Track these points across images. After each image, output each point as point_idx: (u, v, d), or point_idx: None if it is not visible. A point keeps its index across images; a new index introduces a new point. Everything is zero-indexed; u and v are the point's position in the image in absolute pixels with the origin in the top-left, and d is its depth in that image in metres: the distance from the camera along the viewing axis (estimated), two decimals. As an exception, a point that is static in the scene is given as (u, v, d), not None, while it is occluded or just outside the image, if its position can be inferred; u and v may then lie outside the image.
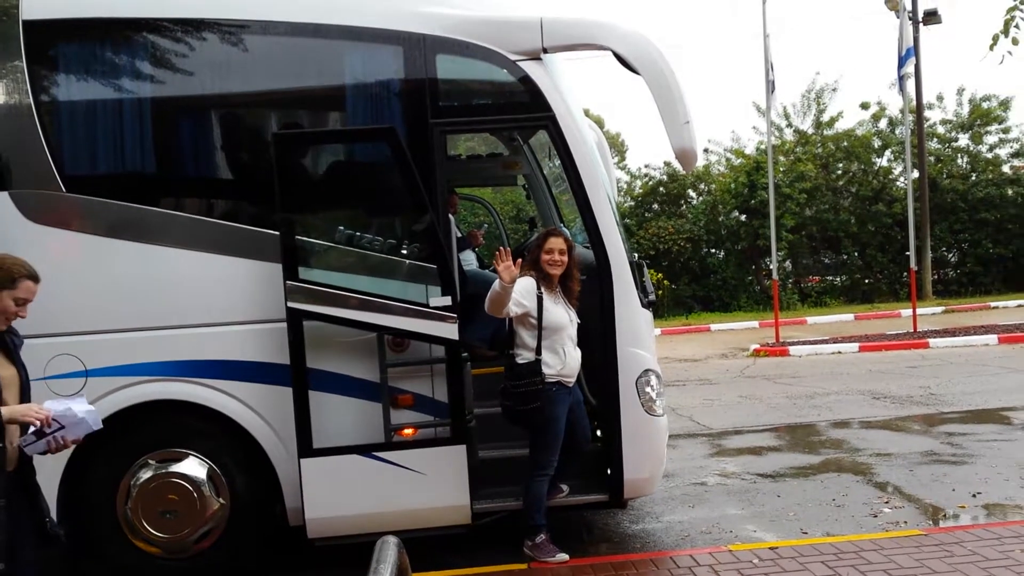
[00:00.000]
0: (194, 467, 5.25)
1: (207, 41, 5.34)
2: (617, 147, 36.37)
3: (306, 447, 5.09)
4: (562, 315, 5.31)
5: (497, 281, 5.04)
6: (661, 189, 28.34)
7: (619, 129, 40.55)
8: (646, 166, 29.44)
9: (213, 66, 5.36)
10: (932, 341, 15.75)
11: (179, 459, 5.26)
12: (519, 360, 5.27)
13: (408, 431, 5.25)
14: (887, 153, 28.18)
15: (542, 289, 5.28)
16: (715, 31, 67.88)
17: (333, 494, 5.13)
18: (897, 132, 27.29)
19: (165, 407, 5.20)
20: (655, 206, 28.43)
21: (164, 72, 5.34)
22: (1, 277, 3.63)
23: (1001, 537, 5.32)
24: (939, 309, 22.42)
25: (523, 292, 5.19)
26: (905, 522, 6.04)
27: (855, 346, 16.02)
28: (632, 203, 28.43)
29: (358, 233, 5.22)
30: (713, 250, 27.79)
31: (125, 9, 5.30)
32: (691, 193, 28.94)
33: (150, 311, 5.19)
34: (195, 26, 5.32)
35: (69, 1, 5.30)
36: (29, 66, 5.14)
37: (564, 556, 5.31)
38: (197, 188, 5.52)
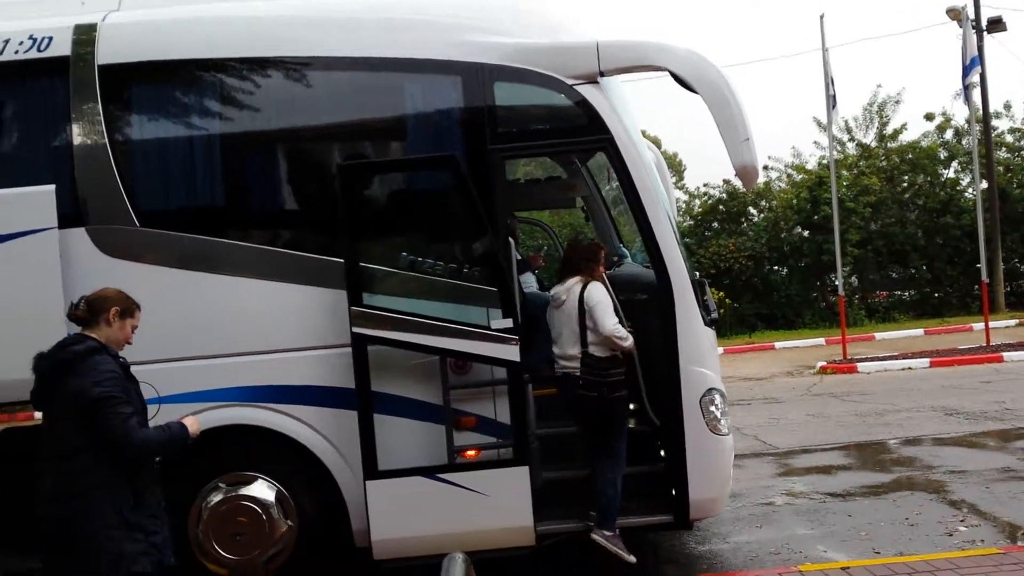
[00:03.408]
0: (263, 490, 5.36)
1: (271, 78, 5.51)
2: (675, 167, 36.17)
3: (372, 469, 5.16)
4: None
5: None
6: (721, 207, 28.08)
7: (676, 149, 40.27)
8: (705, 185, 29.19)
9: (278, 102, 5.54)
10: (1006, 355, 15.33)
11: (248, 482, 5.37)
12: (599, 354, 5.46)
13: (471, 452, 5.30)
14: (954, 164, 27.58)
15: None
16: (773, 47, 67.30)
17: (398, 515, 5.20)
18: (964, 143, 26.69)
19: (235, 431, 5.32)
20: (715, 224, 28.18)
21: (230, 109, 5.53)
22: (124, 308, 4.02)
23: (1084, 556, 5.16)
24: (1013, 322, 21.81)
25: (612, 305, 5.51)
26: (982, 540, 5.89)
27: (926, 361, 15.63)
28: (692, 222, 28.23)
29: (420, 258, 5.31)
30: (776, 267, 27.41)
31: (193, 51, 5.49)
32: (752, 210, 28.59)
33: (219, 339, 5.33)
34: (260, 64, 5.49)
35: (141, 46, 5.50)
36: (104, 107, 5.35)
37: (633, 559, 5.38)
38: (263, 219, 5.67)
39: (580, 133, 5.48)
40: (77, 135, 5.35)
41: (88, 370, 3.77)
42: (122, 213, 5.34)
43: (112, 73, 5.40)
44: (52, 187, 5.17)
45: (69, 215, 5.25)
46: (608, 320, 5.43)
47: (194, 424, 4.08)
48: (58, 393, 3.81)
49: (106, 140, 5.34)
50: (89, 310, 3.96)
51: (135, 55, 5.48)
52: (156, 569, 3.86)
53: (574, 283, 5.62)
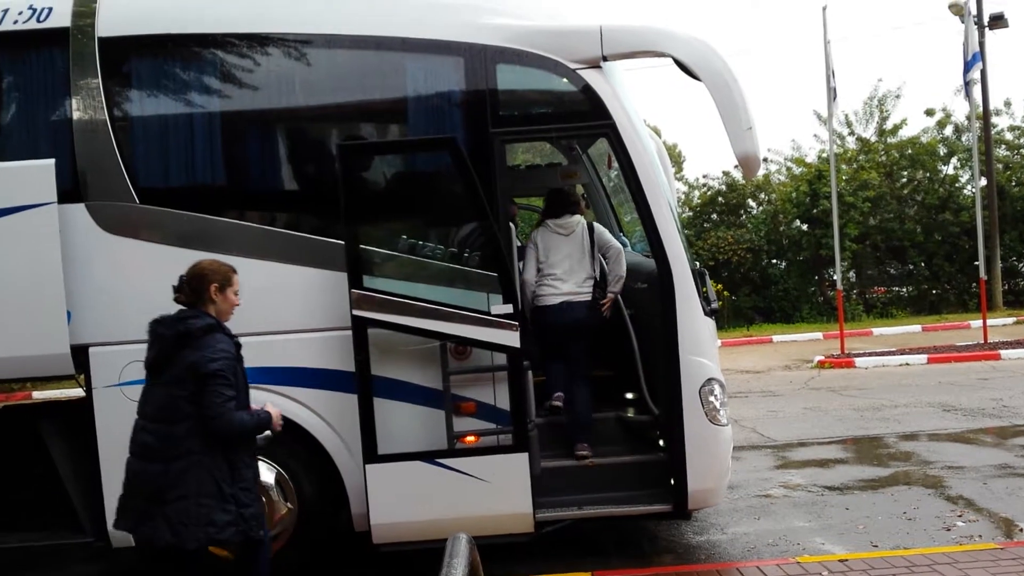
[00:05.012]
0: (263, 472, 5.31)
1: (272, 56, 5.46)
2: (674, 158, 36.09)
3: (371, 453, 5.14)
4: None
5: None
6: (720, 199, 28.03)
7: (676, 140, 40.27)
8: (704, 176, 29.09)
9: (279, 80, 5.48)
10: (1004, 352, 15.30)
11: (247, 464, 5.34)
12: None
13: (471, 438, 5.27)
14: (953, 160, 27.47)
15: None
16: (774, 39, 67.15)
17: (398, 500, 5.18)
18: (963, 139, 26.62)
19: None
20: (714, 216, 28.12)
21: (231, 86, 5.47)
22: (222, 280, 4.17)
23: (1082, 552, 5.15)
24: (1010, 320, 21.78)
25: None
26: (980, 536, 5.88)
27: (923, 357, 15.61)
28: (691, 214, 28.18)
29: (421, 242, 5.28)
30: (774, 260, 27.39)
31: (195, 26, 5.44)
32: (751, 203, 28.54)
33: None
34: (261, 41, 5.43)
35: (142, 19, 5.45)
36: (104, 81, 5.30)
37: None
38: (264, 199, 5.63)
39: (582, 118, 5.45)
40: (76, 109, 5.29)
41: (207, 345, 4.01)
42: (122, 189, 5.29)
43: (112, 46, 5.34)
44: (52, 161, 5.12)
45: (69, 190, 5.21)
46: (624, 266, 5.99)
47: (278, 415, 4.25)
48: (174, 362, 4.01)
49: (106, 115, 5.29)
50: (191, 291, 4.14)
51: (136, 28, 5.43)
52: (241, 539, 4.03)
53: (580, 219, 6.13)
